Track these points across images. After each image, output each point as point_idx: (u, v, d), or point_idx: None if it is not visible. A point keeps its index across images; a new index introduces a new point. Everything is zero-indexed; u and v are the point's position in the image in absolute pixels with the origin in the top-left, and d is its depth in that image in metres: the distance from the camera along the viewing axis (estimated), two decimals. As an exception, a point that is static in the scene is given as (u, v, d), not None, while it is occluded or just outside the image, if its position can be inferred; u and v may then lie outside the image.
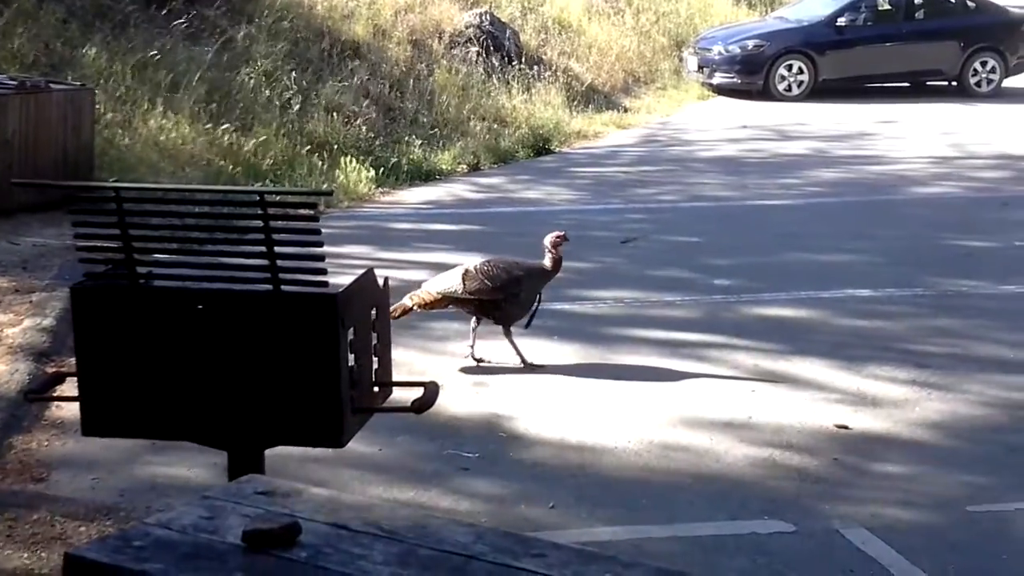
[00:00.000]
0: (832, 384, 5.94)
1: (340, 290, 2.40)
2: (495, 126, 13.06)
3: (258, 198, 2.33)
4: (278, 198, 2.60)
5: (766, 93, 16.43)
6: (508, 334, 6.11)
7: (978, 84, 16.89)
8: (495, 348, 6.16)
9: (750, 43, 16.62)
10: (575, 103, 14.87)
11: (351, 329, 2.46)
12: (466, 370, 6.06)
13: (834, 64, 16.49)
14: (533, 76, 14.68)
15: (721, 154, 12.74)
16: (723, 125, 14.64)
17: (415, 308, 6.09)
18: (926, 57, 16.81)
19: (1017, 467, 5.02)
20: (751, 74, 16.51)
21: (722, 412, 5.56)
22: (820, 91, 16.38)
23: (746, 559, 4.21)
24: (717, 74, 16.71)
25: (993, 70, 16.91)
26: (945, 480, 4.90)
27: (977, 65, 16.88)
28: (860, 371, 6.09)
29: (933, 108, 15.76)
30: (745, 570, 4.14)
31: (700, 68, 16.94)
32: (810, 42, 16.53)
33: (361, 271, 2.68)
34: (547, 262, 6.14)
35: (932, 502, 4.69)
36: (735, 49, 16.61)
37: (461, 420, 5.43)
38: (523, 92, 14.20)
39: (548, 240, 6.16)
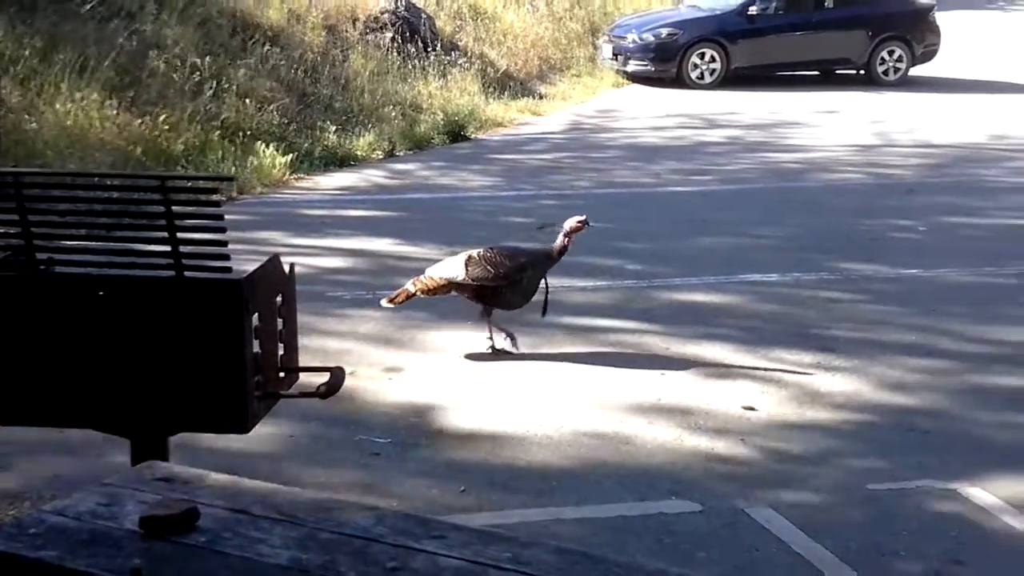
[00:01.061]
0: (740, 367, 6.04)
1: (244, 276, 2.40)
2: (411, 112, 13.05)
3: (159, 183, 2.32)
4: (181, 183, 2.58)
5: (679, 81, 16.60)
6: (488, 314, 6.11)
7: (885, 73, 17.22)
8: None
9: (664, 31, 16.77)
10: (491, 90, 14.90)
11: (256, 315, 2.46)
12: (381, 356, 6.06)
13: (746, 52, 16.71)
14: (449, 62, 14.66)
15: (635, 141, 12.85)
16: (638, 112, 14.77)
17: (418, 294, 6.13)
18: (835, 46, 17.10)
19: (916, 447, 5.15)
20: (665, 62, 16.66)
21: (632, 396, 5.64)
22: (732, 79, 16.59)
23: (653, 539, 4.28)
24: (631, 62, 16.84)
25: (900, 59, 17.25)
26: (848, 460, 5.02)
27: (885, 54, 17.21)
28: (767, 354, 6.20)
29: (842, 96, 16.04)
30: (652, 550, 4.20)
31: (615, 56, 17.06)
32: (722, 31, 16.72)
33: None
34: (555, 246, 6.13)
35: (835, 482, 4.80)
36: (649, 37, 16.75)
37: (374, 406, 5.44)
38: (439, 78, 14.19)
39: (568, 224, 6.13)
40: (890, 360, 6.18)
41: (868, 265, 7.91)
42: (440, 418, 5.34)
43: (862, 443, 5.20)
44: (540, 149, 12.36)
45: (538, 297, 6.15)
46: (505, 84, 15.56)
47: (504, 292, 6.06)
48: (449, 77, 14.33)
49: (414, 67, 14.13)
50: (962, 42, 20.42)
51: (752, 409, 5.50)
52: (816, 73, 17.42)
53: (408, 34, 14.65)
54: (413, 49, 14.43)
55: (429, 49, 14.72)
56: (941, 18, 18.22)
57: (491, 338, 6.13)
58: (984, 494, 4.67)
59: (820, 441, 5.22)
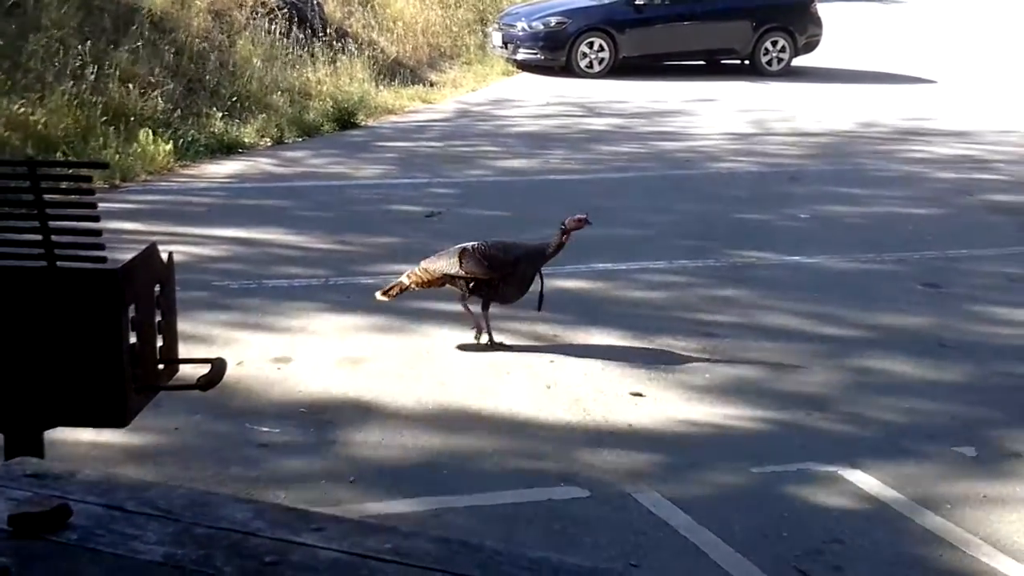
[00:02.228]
0: (628, 353, 6.11)
1: (120, 266, 2.34)
2: (299, 99, 12.90)
3: (28, 169, 2.25)
4: (52, 170, 2.51)
5: (569, 69, 16.69)
6: (485, 308, 6.12)
7: (769, 63, 17.53)
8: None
9: (552, 20, 16.83)
10: (381, 77, 14.81)
11: (133, 306, 2.40)
12: (269, 346, 5.99)
13: (634, 42, 16.86)
14: (338, 49, 14.53)
15: (526, 129, 12.89)
16: (528, 100, 14.81)
17: (412, 287, 6.12)
18: (720, 36, 17.36)
19: (799, 431, 5.27)
20: (554, 50, 16.73)
21: (522, 383, 5.67)
22: (621, 68, 16.72)
23: (542, 526, 4.31)
24: (521, 50, 16.88)
25: (783, 49, 17.58)
26: (732, 444, 5.11)
27: (768, 44, 17.51)
28: (654, 340, 6.29)
29: (728, 86, 16.29)
30: (541, 537, 4.22)
31: (504, 44, 17.08)
32: (610, 20, 16.85)
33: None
34: (552, 242, 6.13)
35: (720, 466, 4.88)
36: (538, 25, 16.80)
37: (262, 397, 5.38)
38: (328, 65, 14.05)
39: (568, 221, 6.12)
40: (773, 346, 6.30)
41: (753, 252, 8.06)
42: (329, 408, 5.30)
43: (746, 427, 5.30)
44: (431, 137, 12.33)
45: (534, 289, 6.16)
46: (395, 71, 15.48)
47: (498, 285, 6.08)
48: (339, 64, 14.20)
49: (303, 53, 13.97)
50: (843, 33, 20.89)
51: (640, 395, 5.57)
52: (703, 63, 17.66)
53: (297, 20, 14.48)
54: (302, 35, 14.27)
55: (318, 35, 14.56)
56: (823, 10, 18.61)
57: (489, 332, 6.13)
58: (864, 476, 4.80)
59: (705, 425, 5.30)
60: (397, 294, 6.18)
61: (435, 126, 13.02)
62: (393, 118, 13.39)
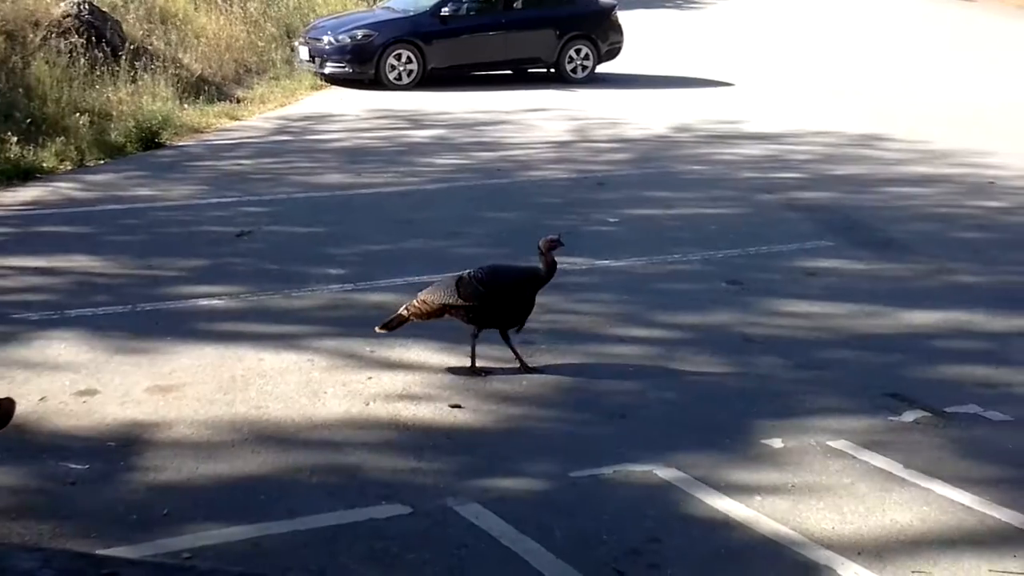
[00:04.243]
0: (445, 366, 6.13)
1: None
2: (100, 120, 12.48)
3: None
4: None
5: (378, 82, 16.65)
6: (506, 338, 6.06)
7: (574, 70, 17.84)
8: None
9: (359, 33, 16.76)
10: (186, 95, 14.48)
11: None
12: (73, 379, 5.78)
13: (441, 53, 16.94)
14: (140, 68, 14.14)
15: (341, 144, 12.80)
16: (339, 115, 14.70)
17: (411, 319, 6.02)
18: (526, 45, 17.59)
19: (614, 433, 5.37)
20: (362, 63, 16.66)
21: (339, 402, 5.62)
22: (430, 79, 16.77)
23: (364, 546, 4.28)
24: (328, 64, 16.75)
25: (587, 57, 17.92)
26: (551, 450, 5.17)
27: (572, 52, 17.83)
28: (470, 351, 6.31)
29: (537, 94, 16.50)
30: (364, 556, 4.20)
31: (312, 58, 16.92)
32: (417, 31, 16.88)
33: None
34: (540, 267, 6.04)
35: (539, 472, 4.94)
36: (345, 39, 16.71)
37: (68, 432, 5.20)
38: (129, 84, 13.66)
39: (542, 243, 6.04)
40: (586, 349, 6.42)
41: (565, 258, 8.10)
42: (140, 439, 5.15)
43: (564, 433, 5.38)
44: (242, 155, 12.11)
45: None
46: (200, 88, 15.16)
47: (498, 312, 6.02)
48: (140, 83, 13.81)
49: (102, 73, 13.54)
50: (643, 39, 21.43)
51: (458, 407, 5.59)
52: (510, 72, 17.86)
53: (95, 39, 14.02)
54: (100, 54, 13.82)
55: (118, 54, 14.14)
56: (623, 17, 19.05)
57: (473, 358, 6.06)
58: (678, 473, 4.93)
59: (524, 434, 5.36)
60: (396, 327, 6.12)
61: (246, 143, 12.80)
62: (202, 136, 13.10)
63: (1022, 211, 10.09)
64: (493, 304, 5.99)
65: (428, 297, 6.08)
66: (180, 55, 15.70)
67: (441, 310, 6.04)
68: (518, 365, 6.06)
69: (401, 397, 5.70)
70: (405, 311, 6.09)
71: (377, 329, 6.15)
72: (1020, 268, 8.28)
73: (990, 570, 4.22)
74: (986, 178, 11.31)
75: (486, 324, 6.05)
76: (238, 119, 14.25)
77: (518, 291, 6.04)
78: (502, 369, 6.08)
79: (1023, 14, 29.16)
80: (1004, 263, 8.38)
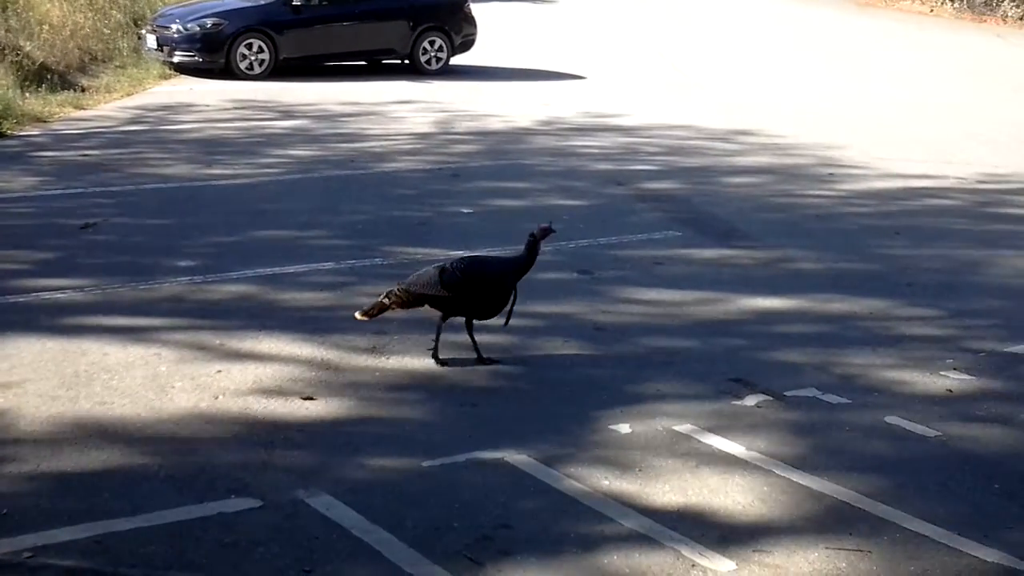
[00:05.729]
0: (298, 357, 6.09)
1: None
2: (-68, 110, 12.00)
3: None
4: None
5: (228, 72, 16.36)
6: (470, 328, 6.05)
7: (428, 62, 17.84)
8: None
9: (208, 21, 16.44)
10: (27, 83, 14.01)
11: None
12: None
13: (293, 43, 16.74)
14: (-25, 54, 13.63)
15: (191, 135, 12.54)
16: (190, 104, 14.41)
17: (392, 307, 5.98)
18: (379, 37, 17.51)
19: (466, 421, 5.41)
20: (212, 52, 16.35)
21: (188, 396, 5.54)
22: (283, 70, 16.56)
23: (213, 541, 4.22)
24: (177, 53, 16.39)
25: (441, 49, 17.93)
26: (403, 440, 5.18)
27: (426, 44, 17.82)
28: (324, 342, 6.29)
29: (392, 86, 16.45)
30: (212, 552, 4.15)
31: (160, 46, 16.54)
32: (268, 21, 16.64)
33: None
34: (524, 254, 6.00)
35: (391, 463, 4.95)
36: (194, 27, 16.37)
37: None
38: (-36, 72, 13.15)
39: (537, 231, 6.01)
40: (440, 339, 6.43)
41: (419, 249, 8.19)
42: (-22, 438, 4.99)
43: (416, 422, 5.40)
44: (89, 145, 11.77)
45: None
46: (43, 77, 14.68)
47: (478, 301, 5.98)
48: (-23, 70, 13.32)
49: (-65, 60, 13.02)
50: (497, 32, 21.55)
51: (310, 399, 5.56)
52: (364, 63, 17.75)
53: (-74, 24, 13.47)
54: (-67, 40, 13.29)
55: (-48, 40, 13.60)
56: (477, 9, 19.11)
57: (476, 349, 6.08)
58: (528, 460, 4.99)
59: (377, 424, 5.36)
60: (377, 314, 6.07)
61: (94, 133, 12.44)
62: (46, 126, 12.69)
63: (858, 201, 10.48)
64: (473, 294, 6.01)
65: (411, 287, 6.06)
66: (21, 42, 15.17)
67: (422, 299, 6.05)
68: (476, 357, 6.11)
69: (252, 391, 5.64)
70: (386, 299, 6.08)
71: (357, 316, 6.14)
72: (854, 256, 8.61)
73: (826, 547, 4.39)
74: (826, 170, 11.72)
75: (462, 313, 6.08)
76: (83, 108, 13.85)
77: (500, 282, 6.06)
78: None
79: (864, 12, 30.21)
80: (840, 251, 8.70)
